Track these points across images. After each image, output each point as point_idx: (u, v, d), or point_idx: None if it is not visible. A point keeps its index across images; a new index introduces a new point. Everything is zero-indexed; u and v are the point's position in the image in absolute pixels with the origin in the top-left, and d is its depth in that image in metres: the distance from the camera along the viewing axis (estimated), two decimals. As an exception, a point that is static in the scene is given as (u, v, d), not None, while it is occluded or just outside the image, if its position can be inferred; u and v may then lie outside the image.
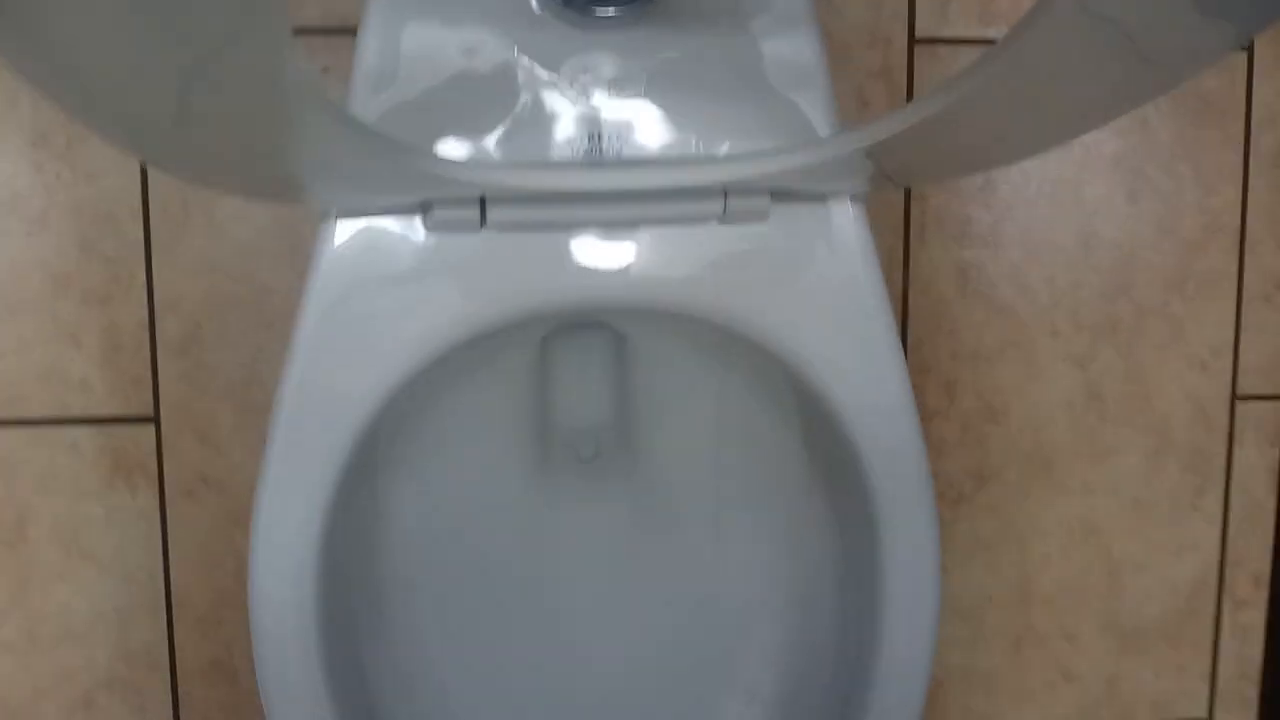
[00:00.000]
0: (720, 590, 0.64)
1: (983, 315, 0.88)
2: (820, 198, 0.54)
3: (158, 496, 0.84)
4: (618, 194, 0.51)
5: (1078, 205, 0.88)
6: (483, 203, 0.51)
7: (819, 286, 0.55)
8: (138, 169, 0.80)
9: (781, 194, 0.54)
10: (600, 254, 0.54)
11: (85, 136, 0.80)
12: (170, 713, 0.86)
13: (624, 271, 0.54)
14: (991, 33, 0.86)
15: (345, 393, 0.53)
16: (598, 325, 0.66)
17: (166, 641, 0.85)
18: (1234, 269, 0.90)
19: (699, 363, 0.64)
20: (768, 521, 0.64)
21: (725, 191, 0.51)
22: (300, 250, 0.80)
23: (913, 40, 0.86)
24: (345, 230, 0.53)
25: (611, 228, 0.53)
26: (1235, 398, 0.91)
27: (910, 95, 0.87)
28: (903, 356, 0.56)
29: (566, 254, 0.54)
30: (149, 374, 0.82)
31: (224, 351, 0.82)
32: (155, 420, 0.83)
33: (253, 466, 0.82)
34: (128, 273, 0.81)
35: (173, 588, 0.85)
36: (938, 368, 0.89)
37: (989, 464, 0.90)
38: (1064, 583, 0.92)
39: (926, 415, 0.89)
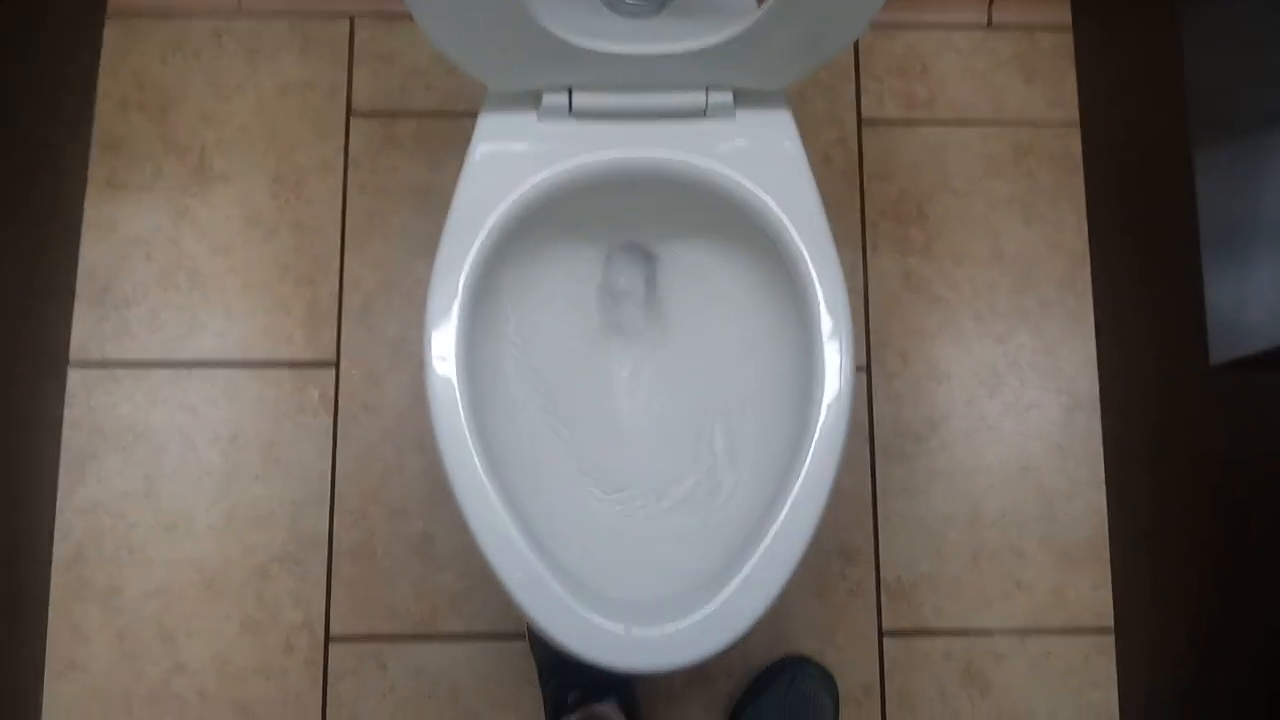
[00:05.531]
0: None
1: (923, 305, 1.22)
2: (766, 104, 0.92)
3: (332, 419, 1.17)
4: (648, 83, 0.89)
5: (987, 228, 1.24)
6: (570, 94, 0.89)
7: (769, 160, 0.91)
8: (340, 199, 1.21)
9: (742, 99, 0.91)
10: (637, 137, 0.91)
11: (306, 179, 1.21)
12: (324, 582, 1.14)
13: (648, 149, 0.91)
14: (916, 114, 1.26)
15: (483, 216, 0.89)
16: (638, 249, 1.02)
17: (327, 528, 1.15)
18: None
19: (703, 260, 1.00)
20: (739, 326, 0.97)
21: (706, 88, 0.90)
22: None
23: (860, 121, 1.26)
24: (491, 123, 0.91)
25: (643, 119, 0.91)
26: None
27: (861, 160, 1.26)
28: (820, 199, 0.91)
29: (617, 135, 0.91)
30: (335, 332, 1.19)
31: (388, 318, 1.19)
32: (336, 365, 1.18)
33: (402, 398, 1.17)
34: (327, 263, 1.20)
35: (335, 488, 1.16)
36: (893, 341, 1.21)
37: (937, 413, 1.20)
38: (1006, 509, 1.19)
39: (886, 376, 1.21)
